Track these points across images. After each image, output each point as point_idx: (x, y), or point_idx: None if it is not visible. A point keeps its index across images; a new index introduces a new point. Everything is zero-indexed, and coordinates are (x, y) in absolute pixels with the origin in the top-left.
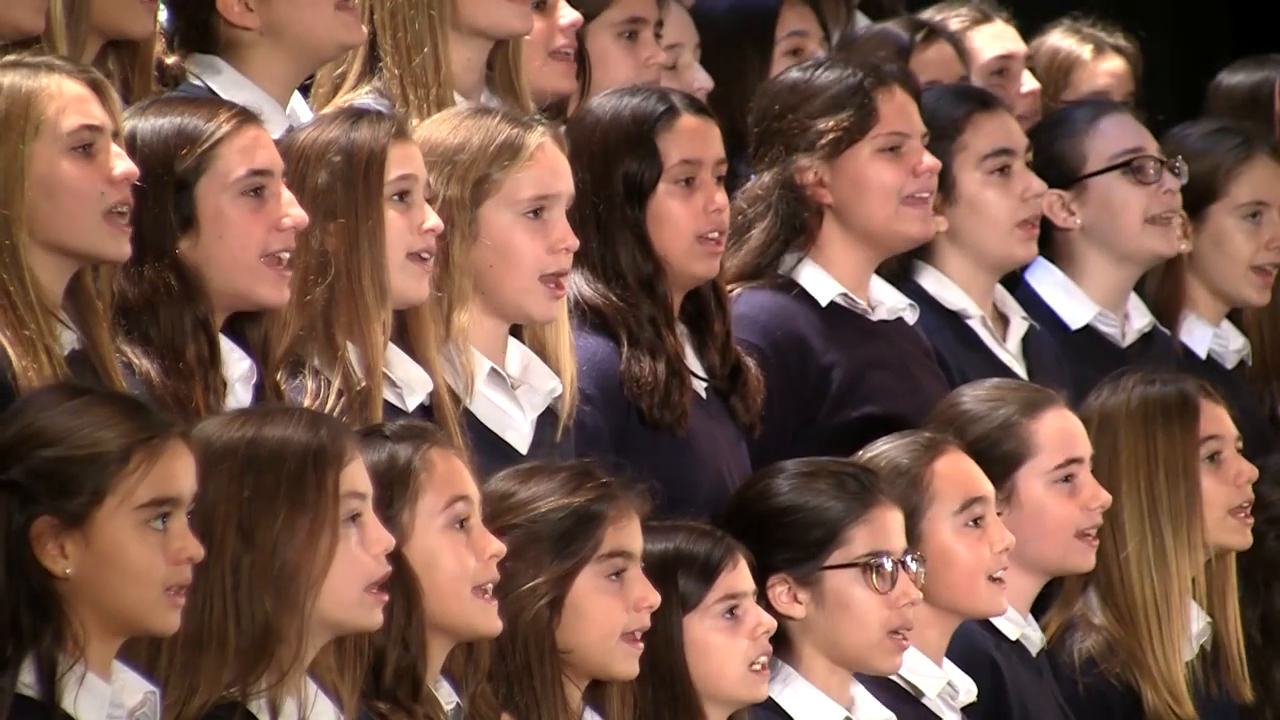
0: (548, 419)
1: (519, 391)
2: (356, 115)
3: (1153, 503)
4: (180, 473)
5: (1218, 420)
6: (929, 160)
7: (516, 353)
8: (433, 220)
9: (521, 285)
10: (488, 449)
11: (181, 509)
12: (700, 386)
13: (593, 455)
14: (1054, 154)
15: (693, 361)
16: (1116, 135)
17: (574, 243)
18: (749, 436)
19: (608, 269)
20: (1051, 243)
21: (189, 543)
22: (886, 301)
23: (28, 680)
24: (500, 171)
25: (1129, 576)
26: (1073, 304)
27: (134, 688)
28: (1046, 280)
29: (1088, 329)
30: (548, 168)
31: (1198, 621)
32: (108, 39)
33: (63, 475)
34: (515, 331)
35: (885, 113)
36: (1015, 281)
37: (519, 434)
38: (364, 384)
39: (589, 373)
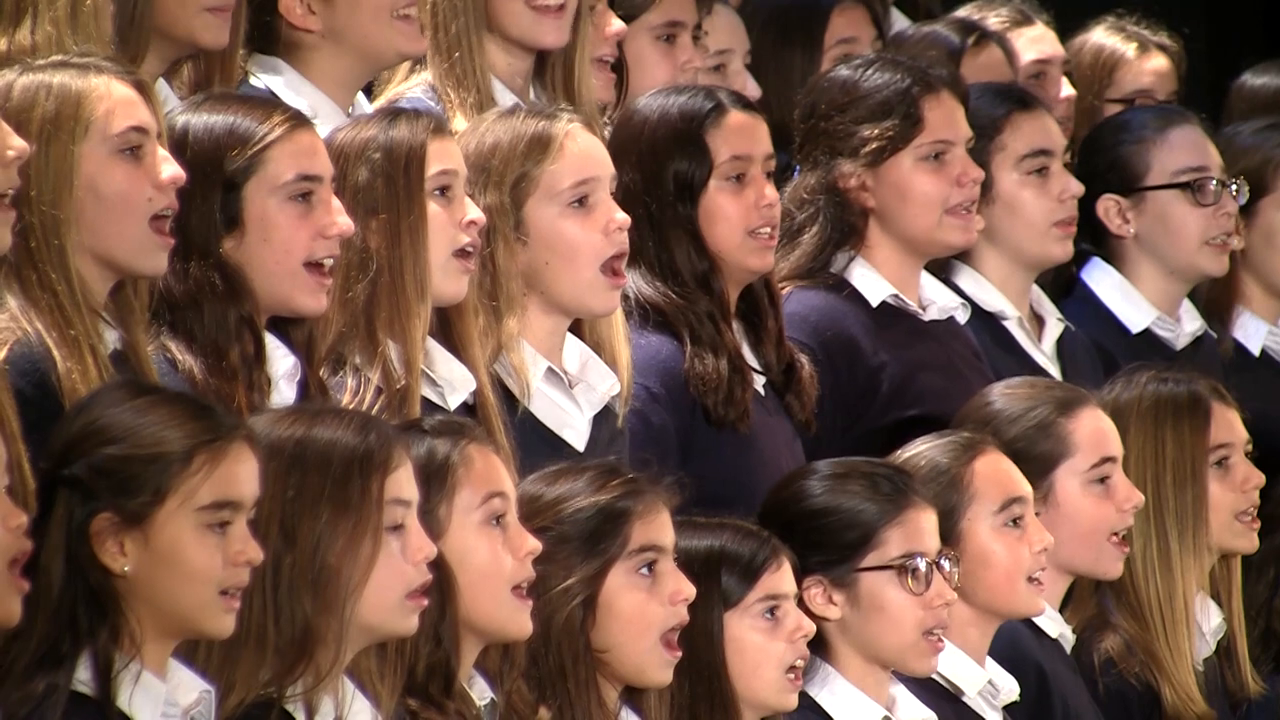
0: (604, 417)
1: (576, 390)
2: (394, 114)
3: (1159, 505)
4: (243, 475)
5: (1228, 425)
6: (974, 171)
7: (575, 350)
8: (473, 213)
9: (582, 277)
10: (546, 448)
11: (243, 512)
12: (759, 383)
13: (659, 453)
14: (1117, 158)
15: (749, 359)
16: (1183, 151)
17: (625, 220)
18: (804, 434)
19: (664, 268)
20: (1105, 244)
21: (249, 546)
22: (938, 301)
23: (83, 677)
24: (535, 167)
25: (1136, 576)
26: (1131, 308)
27: (189, 686)
28: (1104, 282)
29: (1146, 332)
30: (580, 154)
31: (1213, 618)
32: (182, 54)
33: (125, 473)
34: (574, 329)
35: (931, 120)
36: (1071, 282)
37: (576, 432)
38: (403, 381)
39: (654, 371)
